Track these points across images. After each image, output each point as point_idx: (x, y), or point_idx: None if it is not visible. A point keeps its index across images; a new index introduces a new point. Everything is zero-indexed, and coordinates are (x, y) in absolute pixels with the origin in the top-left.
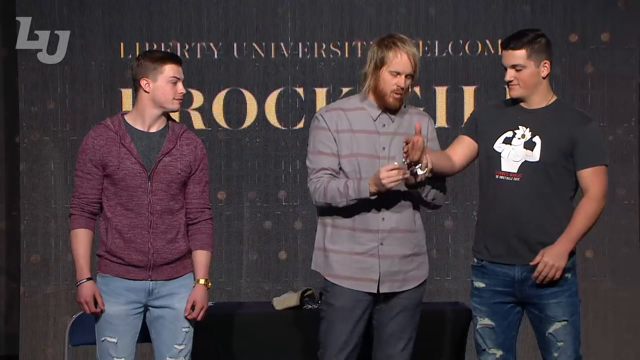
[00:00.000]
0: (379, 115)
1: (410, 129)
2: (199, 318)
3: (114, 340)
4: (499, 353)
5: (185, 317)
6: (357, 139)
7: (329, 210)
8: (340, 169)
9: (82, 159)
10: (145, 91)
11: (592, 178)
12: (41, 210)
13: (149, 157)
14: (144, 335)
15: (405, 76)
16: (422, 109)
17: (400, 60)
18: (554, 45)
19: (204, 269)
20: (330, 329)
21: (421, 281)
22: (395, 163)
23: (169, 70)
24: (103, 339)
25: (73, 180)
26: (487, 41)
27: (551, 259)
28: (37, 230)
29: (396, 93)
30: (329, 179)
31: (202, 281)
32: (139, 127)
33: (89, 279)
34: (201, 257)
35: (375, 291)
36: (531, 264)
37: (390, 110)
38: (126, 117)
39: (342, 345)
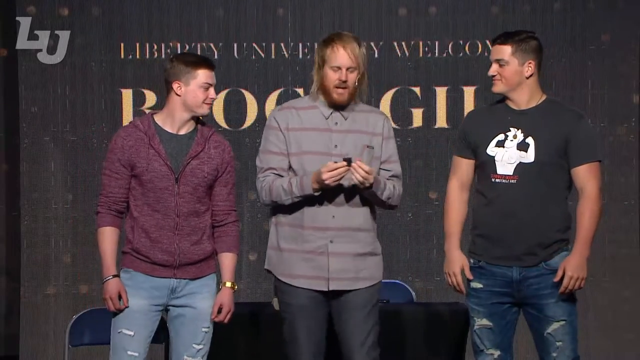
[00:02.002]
0: (330, 114)
1: (364, 127)
2: (225, 321)
3: (131, 333)
4: (497, 353)
5: (212, 319)
6: (308, 136)
7: (279, 208)
8: (290, 167)
9: (111, 159)
10: (177, 94)
11: (587, 176)
12: (41, 211)
13: (177, 160)
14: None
15: (347, 70)
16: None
17: (337, 55)
18: (554, 45)
19: (231, 271)
20: (296, 328)
21: (374, 282)
22: (336, 161)
23: (202, 75)
24: (120, 330)
25: (100, 179)
26: (487, 42)
27: (575, 272)
28: (37, 230)
29: (339, 88)
30: (274, 178)
31: (228, 284)
32: (168, 128)
33: (115, 275)
34: (227, 260)
35: (326, 289)
36: (555, 280)
37: (341, 108)
38: (155, 118)
39: (315, 342)
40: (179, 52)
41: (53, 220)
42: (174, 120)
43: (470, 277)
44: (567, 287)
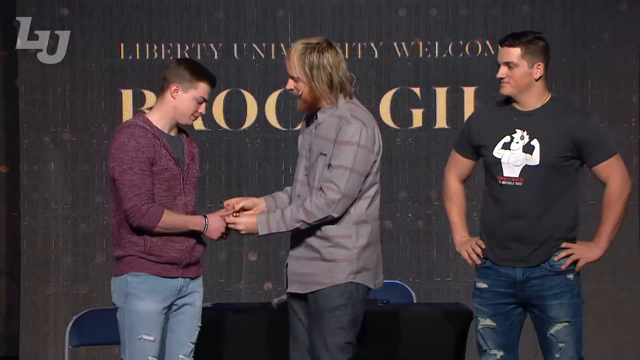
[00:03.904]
0: (314, 118)
1: (326, 133)
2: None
3: (152, 338)
4: (500, 354)
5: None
6: (300, 139)
7: None
8: None
9: (138, 157)
10: (172, 96)
11: (609, 171)
12: (41, 211)
13: (180, 160)
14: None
15: (292, 78)
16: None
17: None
18: (554, 45)
19: None
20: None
21: (324, 286)
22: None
23: (202, 89)
24: (140, 337)
25: (130, 180)
26: (487, 42)
27: (578, 254)
28: (37, 230)
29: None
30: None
31: None
32: (161, 128)
33: (204, 216)
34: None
35: (287, 288)
36: (560, 254)
37: (319, 111)
38: (150, 118)
39: (292, 342)
40: (178, 52)
41: (53, 220)
42: (166, 122)
43: (483, 246)
44: (561, 258)
